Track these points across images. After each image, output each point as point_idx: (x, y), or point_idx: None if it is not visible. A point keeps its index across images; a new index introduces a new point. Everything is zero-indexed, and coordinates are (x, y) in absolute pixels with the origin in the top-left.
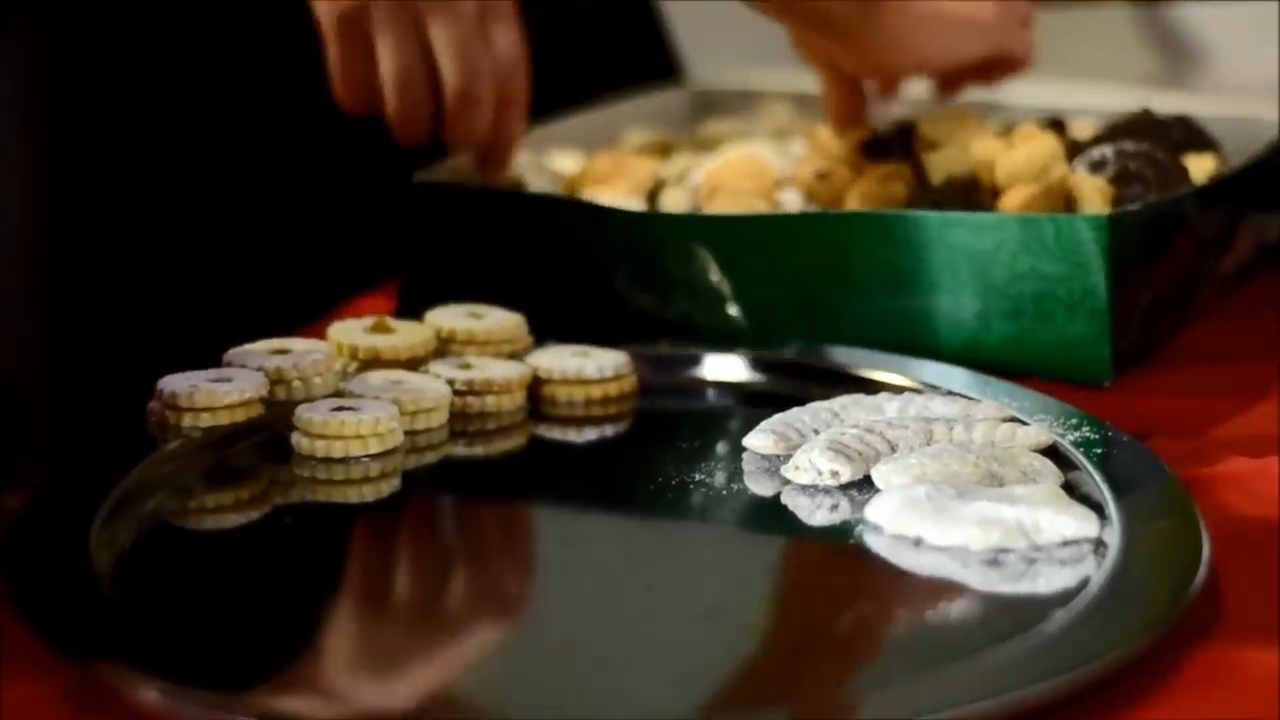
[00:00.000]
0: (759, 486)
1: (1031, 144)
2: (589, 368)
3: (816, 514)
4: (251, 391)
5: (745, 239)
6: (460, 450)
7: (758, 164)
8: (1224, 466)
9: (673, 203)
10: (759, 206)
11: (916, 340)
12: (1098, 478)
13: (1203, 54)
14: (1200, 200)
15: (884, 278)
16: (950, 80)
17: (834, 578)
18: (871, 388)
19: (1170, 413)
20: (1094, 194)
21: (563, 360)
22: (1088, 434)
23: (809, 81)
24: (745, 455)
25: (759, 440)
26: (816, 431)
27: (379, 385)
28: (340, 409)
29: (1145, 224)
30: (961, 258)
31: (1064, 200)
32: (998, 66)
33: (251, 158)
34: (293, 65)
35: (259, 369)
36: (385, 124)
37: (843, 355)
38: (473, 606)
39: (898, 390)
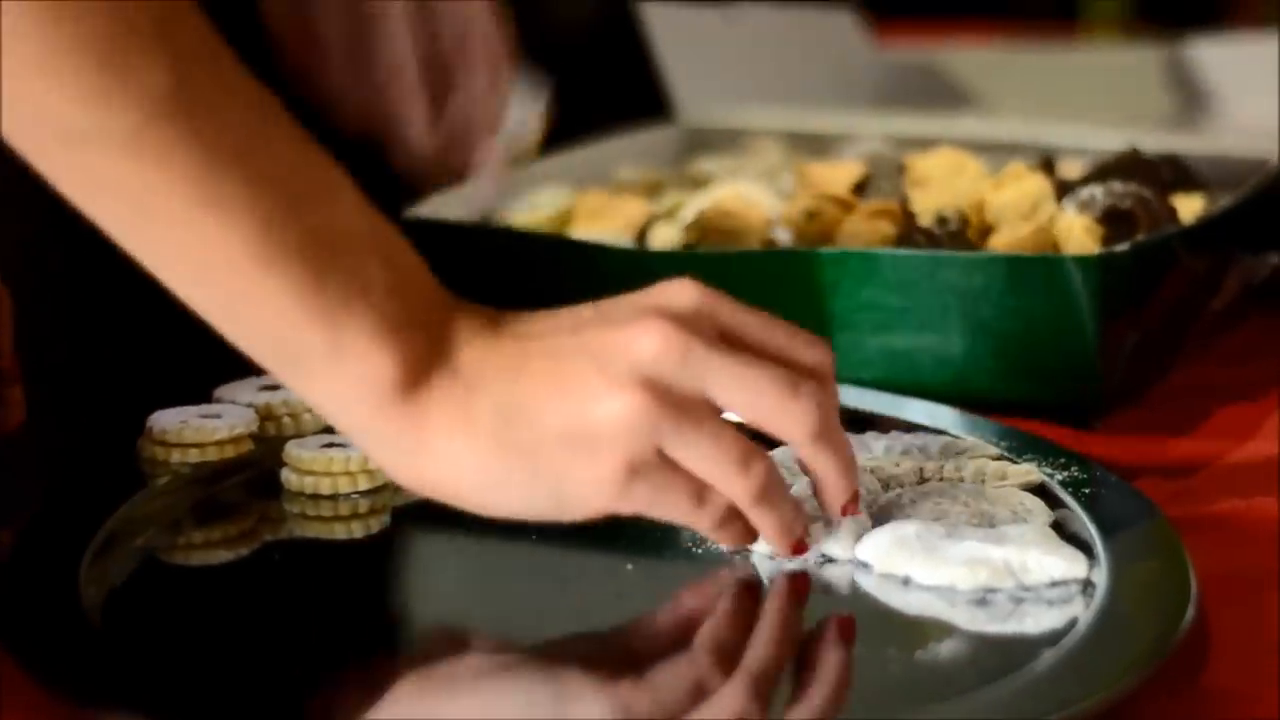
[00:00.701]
0: None
1: (1020, 183)
2: None
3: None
4: (241, 427)
5: (735, 277)
6: None
7: (748, 202)
8: (1213, 507)
9: (662, 240)
10: (749, 244)
11: (905, 378)
12: (1086, 518)
13: (1193, 94)
14: (1189, 240)
15: (872, 316)
16: None
17: (822, 615)
18: (859, 426)
19: (1159, 452)
20: (1083, 234)
21: None
22: (1076, 473)
23: (799, 120)
24: None
25: None
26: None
27: None
28: (330, 445)
29: (1134, 264)
30: (950, 297)
31: (1052, 240)
32: None
33: None
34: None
35: (249, 405)
36: (373, 157)
37: None
38: (464, 642)
39: (886, 429)
